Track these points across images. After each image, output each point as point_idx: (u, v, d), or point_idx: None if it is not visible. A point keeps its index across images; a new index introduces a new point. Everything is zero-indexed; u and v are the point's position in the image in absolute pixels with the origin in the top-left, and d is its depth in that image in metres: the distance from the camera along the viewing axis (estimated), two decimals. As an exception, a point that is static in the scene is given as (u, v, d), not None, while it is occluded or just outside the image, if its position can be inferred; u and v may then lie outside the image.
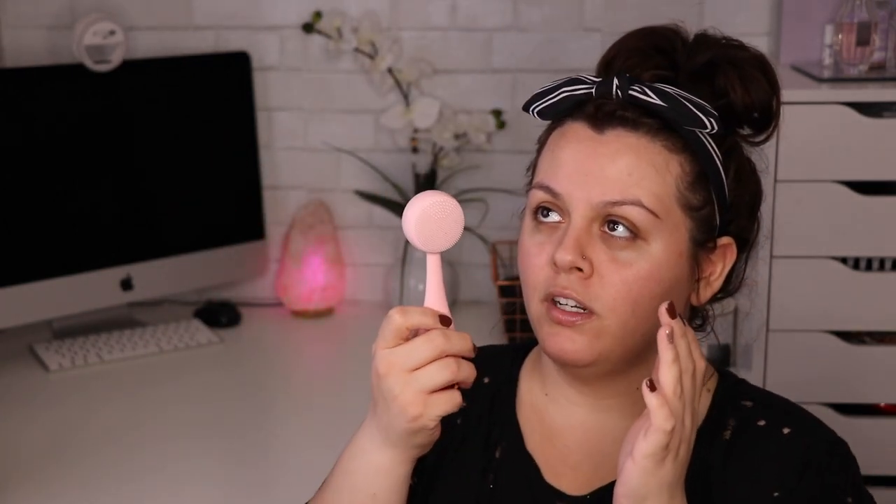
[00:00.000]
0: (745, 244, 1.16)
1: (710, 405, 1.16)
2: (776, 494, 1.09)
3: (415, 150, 2.56)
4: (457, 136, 2.51)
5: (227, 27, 2.56)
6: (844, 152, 2.08)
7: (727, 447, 1.13)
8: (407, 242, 2.37)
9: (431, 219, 1.02)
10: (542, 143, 1.15)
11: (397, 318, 1.01)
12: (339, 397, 2.17)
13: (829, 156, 2.09)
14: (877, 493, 1.21)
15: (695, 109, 1.07)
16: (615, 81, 1.08)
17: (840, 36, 2.20)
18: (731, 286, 1.17)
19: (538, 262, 1.10)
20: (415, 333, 1.02)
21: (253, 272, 2.62)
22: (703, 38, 1.16)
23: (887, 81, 2.17)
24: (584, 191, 1.07)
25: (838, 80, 2.19)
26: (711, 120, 1.07)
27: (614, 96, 1.08)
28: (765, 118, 1.15)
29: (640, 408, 1.02)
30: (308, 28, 2.53)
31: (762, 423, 1.13)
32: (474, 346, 1.03)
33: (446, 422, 1.05)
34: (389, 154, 2.60)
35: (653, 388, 0.97)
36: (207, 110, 2.50)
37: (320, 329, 2.54)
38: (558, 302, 1.08)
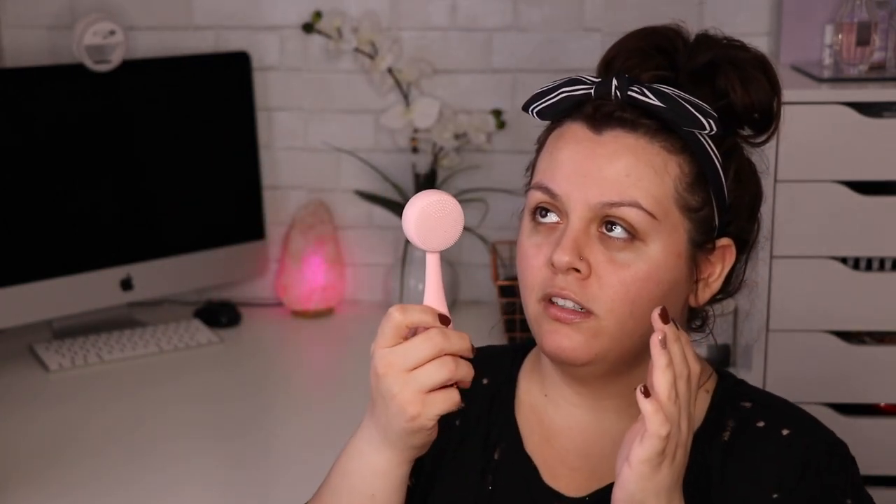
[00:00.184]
0: (745, 245, 1.16)
1: (709, 406, 1.16)
2: (775, 496, 1.09)
3: (415, 150, 2.56)
4: (457, 136, 2.51)
5: (227, 27, 2.56)
6: (844, 152, 2.08)
7: (726, 448, 1.13)
8: (407, 242, 2.37)
9: (431, 217, 1.02)
10: (540, 143, 1.15)
11: (396, 316, 1.02)
12: (339, 397, 2.17)
13: (829, 156, 2.08)
14: (877, 493, 1.21)
15: (693, 110, 1.06)
16: (614, 82, 1.08)
17: (840, 36, 2.20)
18: (730, 287, 1.17)
19: (536, 263, 1.10)
20: (414, 333, 1.02)
21: (253, 272, 2.62)
22: (705, 39, 1.16)
23: (887, 81, 2.17)
24: (582, 192, 1.07)
25: (838, 80, 2.19)
26: (710, 121, 1.07)
27: (613, 97, 1.08)
28: (765, 119, 1.15)
29: (638, 409, 1.01)
30: (308, 28, 2.53)
31: (761, 423, 1.13)
32: (473, 345, 1.03)
33: (444, 422, 1.05)
34: (389, 154, 2.60)
35: (647, 394, 0.97)
36: (207, 110, 2.50)
37: (320, 329, 2.54)
38: (556, 303, 1.08)
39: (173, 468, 1.90)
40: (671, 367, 0.98)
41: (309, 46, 2.57)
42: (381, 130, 2.59)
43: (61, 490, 1.82)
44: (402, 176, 2.58)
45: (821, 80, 2.19)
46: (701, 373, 1.04)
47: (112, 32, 2.32)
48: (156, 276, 2.45)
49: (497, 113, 2.53)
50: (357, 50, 2.52)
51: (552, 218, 1.10)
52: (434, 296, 1.04)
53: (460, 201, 1.04)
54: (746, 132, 1.16)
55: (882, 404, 2.20)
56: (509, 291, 2.33)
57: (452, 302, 2.58)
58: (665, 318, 0.99)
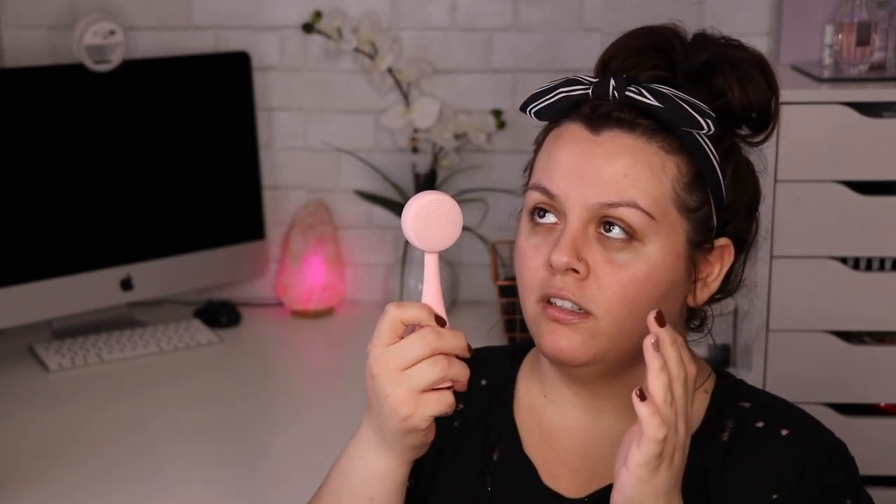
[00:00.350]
0: (744, 245, 1.16)
1: (708, 406, 1.16)
2: (775, 496, 1.09)
3: (415, 150, 2.56)
4: (457, 136, 2.51)
5: (227, 27, 2.56)
6: (844, 152, 2.08)
7: (725, 448, 1.13)
8: (407, 242, 2.37)
9: (429, 217, 1.02)
10: (538, 143, 1.15)
11: (393, 311, 1.02)
12: (339, 397, 2.17)
13: (829, 156, 2.08)
14: (877, 493, 1.21)
15: (691, 110, 1.06)
16: (611, 82, 1.08)
17: (840, 36, 2.20)
18: (729, 287, 1.16)
19: (534, 264, 1.10)
20: (410, 332, 1.02)
21: (253, 272, 2.62)
22: (702, 38, 1.16)
23: (887, 81, 2.17)
24: (579, 192, 1.07)
25: (838, 80, 2.19)
26: (708, 121, 1.07)
27: (611, 97, 1.08)
28: (763, 119, 1.14)
29: (637, 410, 1.02)
30: (308, 28, 2.53)
31: (760, 424, 1.13)
32: (469, 345, 1.03)
33: (443, 424, 1.05)
34: (389, 154, 2.60)
35: (643, 397, 0.97)
36: (207, 110, 2.50)
37: (320, 329, 2.54)
38: (554, 303, 1.08)
39: (173, 468, 1.90)
40: (665, 370, 0.97)
41: (309, 46, 2.57)
42: (381, 130, 2.59)
43: (61, 490, 1.82)
44: (402, 176, 2.58)
45: (821, 80, 2.19)
46: (698, 373, 1.04)
47: (112, 32, 2.33)
48: (156, 276, 2.45)
49: (497, 113, 2.53)
50: (357, 50, 2.52)
51: (550, 218, 1.10)
52: (432, 296, 1.04)
53: (460, 201, 1.04)
54: (744, 132, 1.16)
55: (882, 404, 2.20)
56: (509, 291, 2.33)
57: (452, 302, 2.58)
58: (661, 321, 0.99)
